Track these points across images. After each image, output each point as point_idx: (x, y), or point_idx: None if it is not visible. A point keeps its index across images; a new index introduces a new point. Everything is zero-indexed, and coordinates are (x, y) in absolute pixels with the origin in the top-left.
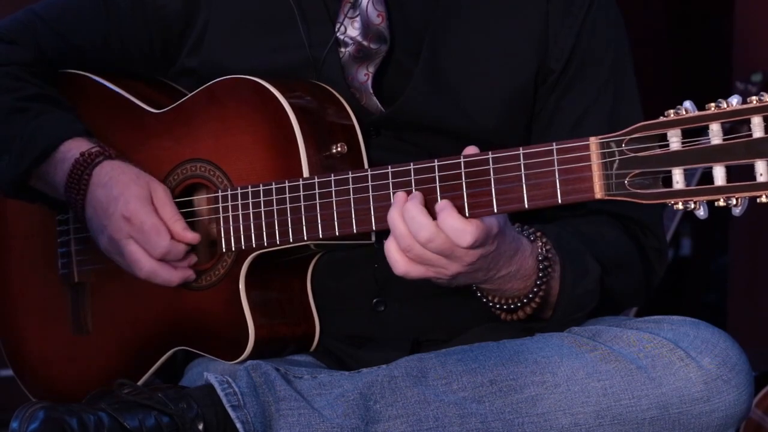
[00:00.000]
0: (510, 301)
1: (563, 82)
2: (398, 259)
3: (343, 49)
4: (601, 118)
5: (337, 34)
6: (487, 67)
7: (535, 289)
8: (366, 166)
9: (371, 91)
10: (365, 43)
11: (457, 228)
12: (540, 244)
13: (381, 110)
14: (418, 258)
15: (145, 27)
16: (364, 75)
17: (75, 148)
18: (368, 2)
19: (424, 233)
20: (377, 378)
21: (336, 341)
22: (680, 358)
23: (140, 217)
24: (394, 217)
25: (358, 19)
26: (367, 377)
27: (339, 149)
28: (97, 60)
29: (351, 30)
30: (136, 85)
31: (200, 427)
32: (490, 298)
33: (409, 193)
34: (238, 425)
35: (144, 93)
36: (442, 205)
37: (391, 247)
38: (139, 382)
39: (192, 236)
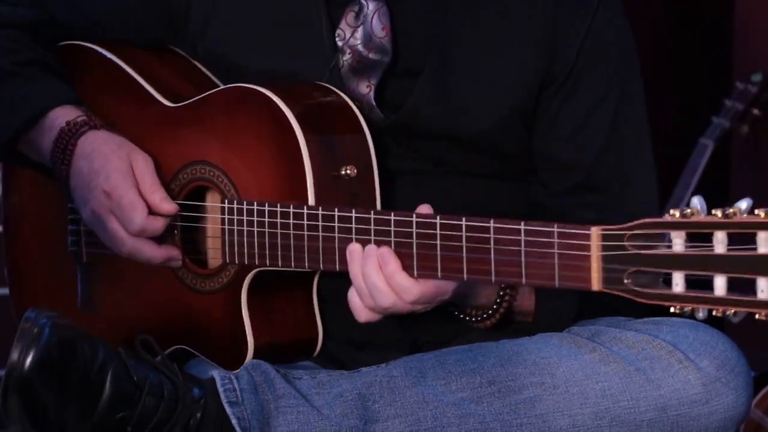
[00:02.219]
0: (474, 313)
1: (567, 87)
2: (361, 309)
3: (342, 59)
4: (603, 123)
5: (337, 41)
6: (493, 74)
7: (498, 300)
8: (377, 192)
9: (374, 104)
10: (365, 53)
11: (403, 286)
12: None
13: (383, 119)
14: (375, 309)
15: (153, 10)
16: (366, 87)
17: (62, 116)
18: (374, 14)
19: (381, 299)
20: (376, 378)
21: (336, 344)
22: (679, 360)
23: (119, 192)
24: (355, 273)
25: (360, 28)
26: (365, 377)
27: (348, 172)
28: (108, 30)
29: (352, 39)
30: (151, 67)
31: (198, 415)
32: (451, 309)
33: (383, 244)
34: (234, 421)
35: (158, 76)
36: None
37: (354, 299)
38: None
39: (169, 207)
